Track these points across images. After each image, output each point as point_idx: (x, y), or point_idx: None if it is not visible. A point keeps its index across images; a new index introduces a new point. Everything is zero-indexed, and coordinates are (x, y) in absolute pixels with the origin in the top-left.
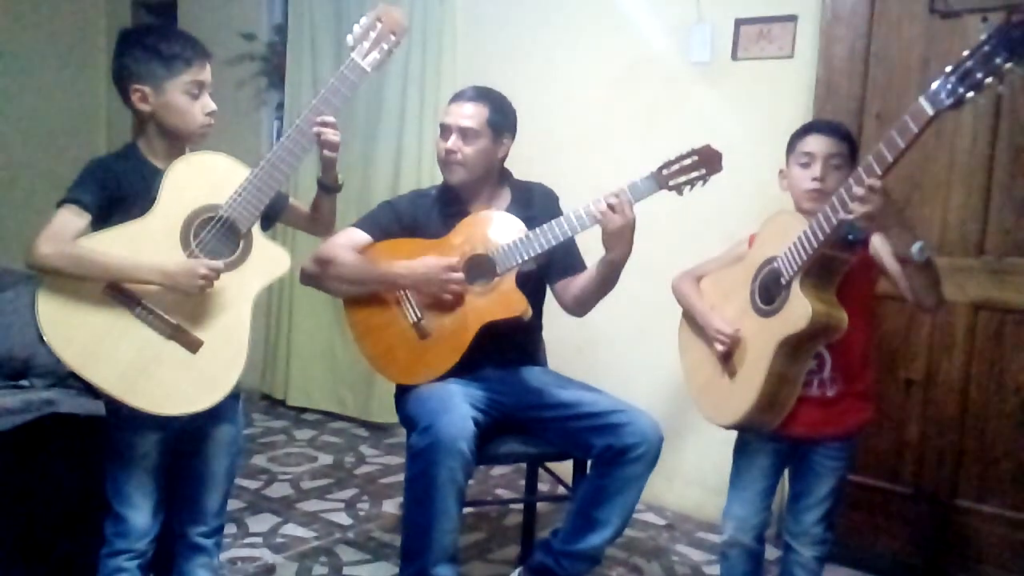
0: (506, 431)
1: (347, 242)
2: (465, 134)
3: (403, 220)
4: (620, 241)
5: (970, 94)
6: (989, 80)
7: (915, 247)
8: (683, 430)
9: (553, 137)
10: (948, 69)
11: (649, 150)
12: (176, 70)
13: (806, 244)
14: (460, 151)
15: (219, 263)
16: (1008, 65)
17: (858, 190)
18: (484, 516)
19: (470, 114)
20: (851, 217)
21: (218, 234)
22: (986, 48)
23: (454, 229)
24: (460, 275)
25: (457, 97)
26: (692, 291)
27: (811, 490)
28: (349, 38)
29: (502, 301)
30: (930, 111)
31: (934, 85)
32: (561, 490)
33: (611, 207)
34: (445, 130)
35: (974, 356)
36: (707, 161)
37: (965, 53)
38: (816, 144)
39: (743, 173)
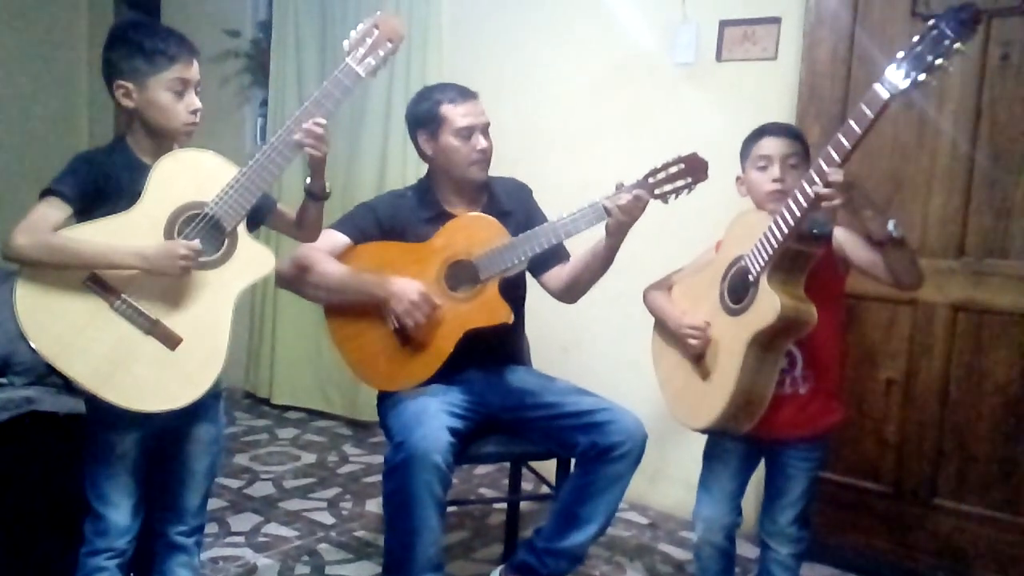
0: (491, 432)
1: (326, 246)
2: (487, 130)
3: (383, 223)
4: (626, 228)
5: (922, 77)
6: (940, 61)
7: (890, 225)
8: (666, 430)
9: (538, 137)
10: (901, 54)
11: (634, 150)
12: (159, 67)
13: (771, 239)
14: (491, 147)
15: (196, 243)
16: (956, 46)
17: (821, 187)
18: (468, 515)
19: (484, 110)
20: (825, 205)
21: (203, 231)
22: (935, 32)
23: (437, 233)
24: (428, 309)
25: (467, 95)
26: (662, 299)
27: (785, 491)
28: (345, 43)
29: (485, 309)
30: (885, 95)
31: (887, 70)
32: (544, 489)
33: (627, 204)
34: (472, 130)
35: (953, 356)
36: (693, 169)
37: (915, 38)
38: (771, 146)
39: (727, 174)
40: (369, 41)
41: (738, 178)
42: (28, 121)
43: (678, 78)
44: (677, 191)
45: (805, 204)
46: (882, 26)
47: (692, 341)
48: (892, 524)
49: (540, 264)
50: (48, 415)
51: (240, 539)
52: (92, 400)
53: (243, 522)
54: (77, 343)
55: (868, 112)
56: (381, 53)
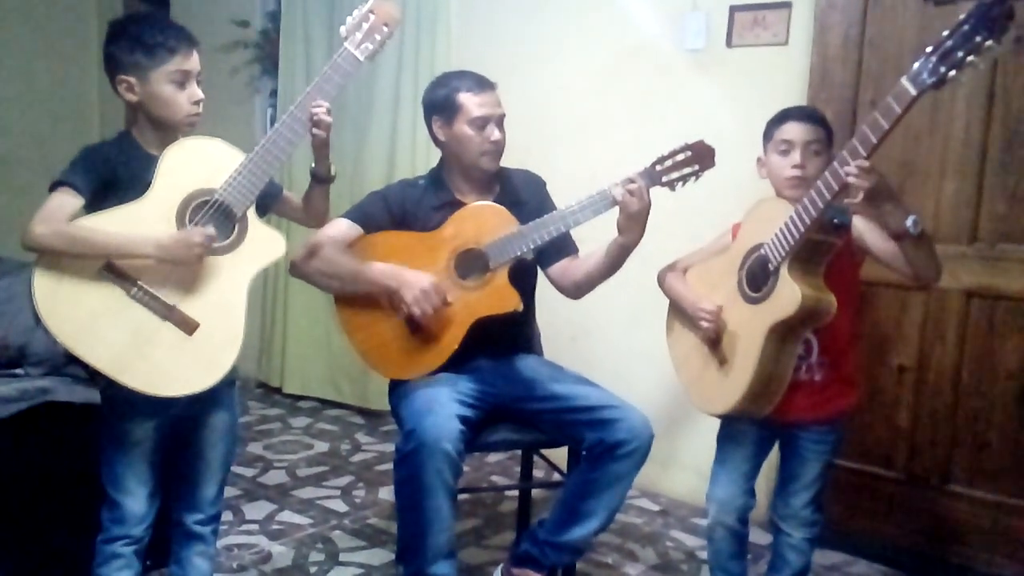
0: (501, 420)
1: (337, 234)
2: (501, 122)
3: (394, 211)
4: (637, 225)
5: (951, 73)
6: (970, 58)
7: (909, 221)
8: (677, 417)
9: (547, 125)
10: (929, 49)
11: (643, 138)
12: (159, 59)
13: (792, 229)
14: (504, 139)
15: (210, 229)
16: (988, 43)
17: (850, 169)
18: (479, 502)
19: (500, 101)
20: (847, 200)
21: (213, 218)
22: (966, 27)
23: (446, 222)
24: (437, 300)
25: (486, 86)
26: (677, 281)
27: (799, 474)
28: (342, 29)
29: (495, 297)
30: (913, 91)
31: (916, 65)
32: (556, 476)
33: (630, 191)
34: (487, 121)
35: (966, 343)
36: (700, 157)
37: (945, 33)
38: (794, 131)
39: (737, 160)
40: (366, 26)
41: (759, 159)
42: (40, 115)
43: (688, 65)
44: (684, 179)
45: (828, 195)
46: (894, 10)
47: (705, 324)
48: (904, 510)
49: (547, 256)
50: (64, 405)
51: (255, 527)
52: (108, 388)
53: (257, 510)
54: (96, 330)
55: (896, 107)
56: (378, 37)
